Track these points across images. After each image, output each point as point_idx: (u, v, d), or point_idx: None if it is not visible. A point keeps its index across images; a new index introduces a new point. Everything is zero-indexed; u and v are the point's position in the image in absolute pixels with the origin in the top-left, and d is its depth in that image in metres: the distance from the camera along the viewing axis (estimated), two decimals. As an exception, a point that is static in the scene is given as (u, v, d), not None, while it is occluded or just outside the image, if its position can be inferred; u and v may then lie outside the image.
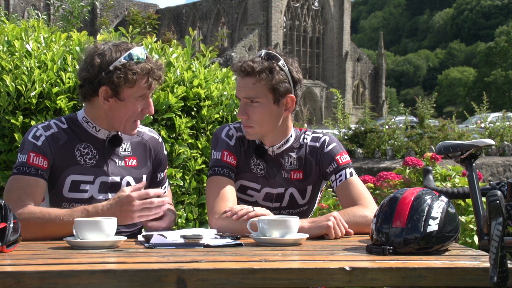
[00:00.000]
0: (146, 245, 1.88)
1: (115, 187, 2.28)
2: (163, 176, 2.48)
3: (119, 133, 2.33)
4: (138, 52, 2.22)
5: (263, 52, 2.29)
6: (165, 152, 2.50)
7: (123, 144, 2.34)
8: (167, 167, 2.58)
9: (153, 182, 2.43)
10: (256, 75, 2.23)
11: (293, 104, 2.32)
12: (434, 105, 13.66)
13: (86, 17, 6.25)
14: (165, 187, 2.50)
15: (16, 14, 6.16)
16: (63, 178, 2.23)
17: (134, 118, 2.26)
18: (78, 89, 2.29)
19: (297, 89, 2.32)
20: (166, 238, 1.91)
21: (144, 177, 2.37)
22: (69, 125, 2.29)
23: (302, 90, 2.38)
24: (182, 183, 3.29)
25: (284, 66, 2.27)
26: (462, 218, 3.80)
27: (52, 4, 6.18)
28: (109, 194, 2.27)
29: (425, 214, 1.72)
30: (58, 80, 3.03)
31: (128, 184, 2.31)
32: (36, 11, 6.29)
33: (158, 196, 2.12)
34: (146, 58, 2.23)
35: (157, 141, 2.45)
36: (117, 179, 2.30)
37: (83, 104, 2.33)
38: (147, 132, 2.44)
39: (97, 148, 2.28)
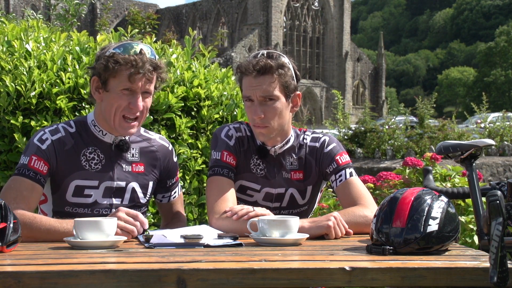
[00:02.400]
0: (146, 245, 1.88)
1: (120, 192, 2.27)
2: (173, 182, 2.46)
3: (127, 138, 2.31)
4: (135, 46, 2.19)
5: (264, 51, 2.28)
6: (175, 159, 2.47)
7: (131, 149, 2.33)
8: None
9: (163, 188, 2.43)
10: (274, 73, 2.23)
11: (298, 101, 2.34)
12: (434, 105, 13.66)
13: (83, 15, 6.25)
14: (175, 191, 2.48)
15: (13, 14, 6.16)
16: (67, 182, 2.22)
17: (121, 113, 2.20)
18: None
19: (299, 86, 2.34)
20: (166, 238, 1.91)
21: (151, 184, 2.36)
22: (77, 129, 2.28)
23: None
24: (182, 183, 3.28)
25: (289, 64, 2.28)
26: (462, 218, 3.79)
27: (48, 3, 6.19)
28: (113, 199, 2.26)
29: (425, 214, 1.72)
30: (58, 80, 3.03)
31: (133, 190, 2.31)
32: (32, 11, 6.29)
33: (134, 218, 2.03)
34: (140, 53, 2.18)
35: (167, 149, 2.42)
36: (122, 184, 2.28)
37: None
38: (158, 139, 2.41)
39: (104, 152, 2.27)
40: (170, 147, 2.45)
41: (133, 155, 2.33)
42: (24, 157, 2.20)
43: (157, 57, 2.27)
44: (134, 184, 2.30)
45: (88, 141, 2.27)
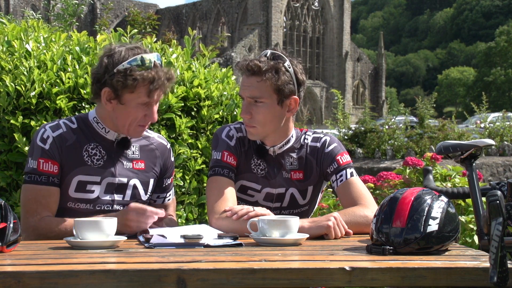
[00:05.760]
0: (146, 245, 1.88)
1: (121, 188, 2.28)
2: (169, 182, 2.46)
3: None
4: (148, 58, 2.18)
5: (268, 52, 2.27)
6: (173, 159, 2.48)
7: (132, 147, 2.33)
8: None
9: (159, 187, 2.43)
10: (262, 75, 2.21)
11: (296, 106, 2.31)
12: (434, 105, 13.67)
13: (82, 15, 6.29)
14: (170, 194, 2.48)
15: (11, 15, 6.18)
16: (70, 178, 2.23)
17: (137, 123, 2.24)
18: (91, 86, 2.30)
19: (301, 91, 2.31)
20: (166, 238, 1.91)
21: (151, 181, 2.37)
22: (79, 125, 2.29)
23: (304, 91, 2.37)
24: (182, 183, 3.28)
25: (289, 67, 2.25)
26: (462, 218, 3.80)
27: (47, 5, 6.25)
28: (115, 195, 2.27)
29: (425, 214, 1.72)
30: (58, 80, 3.03)
31: (135, 186, 2.31)
32: (32, 11, 6.30)
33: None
34: (154, 65, 2.19)
35: (165, 147, 2.43)
36: (124, 180, 2.29)
37: (95, 103, 2.32)
38: (156, 137, 2.43)
39: (105, 148, 2.28)
40: (168, 145, 2.46)
41: (133, 152, 2.34)
42: (31, 161, 2.21)
43: (168, 68, 2.27)
44: (135, 181, 2.31)
45: (90, 137, 2.28)
